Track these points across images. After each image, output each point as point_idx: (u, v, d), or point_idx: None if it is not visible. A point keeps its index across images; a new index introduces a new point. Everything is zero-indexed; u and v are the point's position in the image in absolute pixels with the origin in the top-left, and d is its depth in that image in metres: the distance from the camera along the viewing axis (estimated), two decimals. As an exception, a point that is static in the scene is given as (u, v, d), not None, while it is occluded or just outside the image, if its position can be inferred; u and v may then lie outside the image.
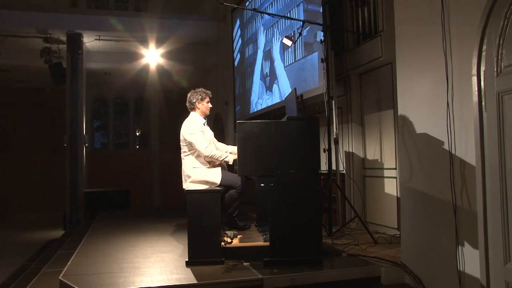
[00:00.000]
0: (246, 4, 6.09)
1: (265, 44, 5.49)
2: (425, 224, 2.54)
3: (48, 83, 7.55)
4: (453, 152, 2.29)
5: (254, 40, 5.91)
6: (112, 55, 7.82)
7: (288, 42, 3.88)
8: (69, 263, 2.94)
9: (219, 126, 7.81)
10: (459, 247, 2.26)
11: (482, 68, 2.14)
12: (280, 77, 4.96)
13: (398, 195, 3.52)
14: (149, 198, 9.72)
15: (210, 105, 3.34)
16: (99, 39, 7.15)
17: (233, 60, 6.90)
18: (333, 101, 3.73)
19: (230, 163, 3.17)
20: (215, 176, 3.17)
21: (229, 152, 3.29)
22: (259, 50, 5.69)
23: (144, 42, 7.23)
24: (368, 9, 3.99)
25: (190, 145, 3.18)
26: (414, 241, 2.64)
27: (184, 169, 3.22)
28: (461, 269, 2.25)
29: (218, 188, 3.02)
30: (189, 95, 3.31)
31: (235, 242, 2.88)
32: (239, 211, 3.38)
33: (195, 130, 3.16)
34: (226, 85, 7.27)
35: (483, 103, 2.13)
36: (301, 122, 2.73)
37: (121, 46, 7.44)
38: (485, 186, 2.11)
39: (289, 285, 2.44)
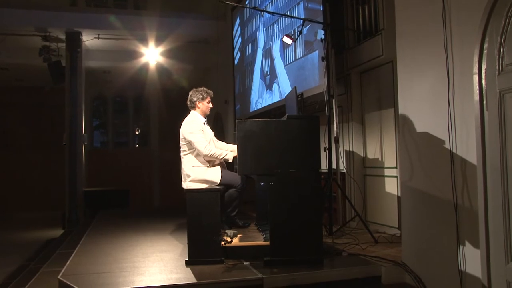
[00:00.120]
0: (246, 2, 6.06)
1: (265, 43, 5.47)
2: (426, 224, 2.53)
3: (47, 81, 7.53)
4: (454, 151, 2.29)
5: (254, 38, 5.89)
6: (112, 53, 7.80)
7: (288, 40, 3.87)
8: (68, 262, 2.93)
9: (219, 125, 7.79)
10: (460, 246, 2.25)
11: (484, 67, 2.13)
12: (280, 76, 4.94)
13: (399, 194, 3.51)
14: (149, 197, 9.71)
15: (210, 105, 3.32)
16: (98, 38, 7.13)
17: (233, 58, 6.88)
18: (334, 100, 3.72)
19: (230, 161, 3.16)
20: (215, 175, 3.16)
21: (229, 150, 3.28)
22: (259, 48, 5.68)
23: (144, 40, 7.21)
24: (369, 7, 3.97)
25: (189, 144, 3.16)
26: (414, 241, 2.63)
27: (184, 168, 3.21)
28: (462, 269, 2.24)
29: (218, 187, 3.02)
30: (190, 93, 3.30)
31: (235, 241, 2.87)
32: (239, 210, 3.37)
33: (195, 129, 3.15)
34: (226, 84, 7.25)
35: (484, 102, 2.13)
36: (302, 121, 2.72)
37: (121, 45, 7.41)
38: (486, 185, 2.10)
39: (289, 285, 2.43)
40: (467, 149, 2.21)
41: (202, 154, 3.14)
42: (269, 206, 2.71)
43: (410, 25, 2.68)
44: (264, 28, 5.50)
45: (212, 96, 3.33)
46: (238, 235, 3.08)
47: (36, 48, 6.86)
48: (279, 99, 4.93)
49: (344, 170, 4.19)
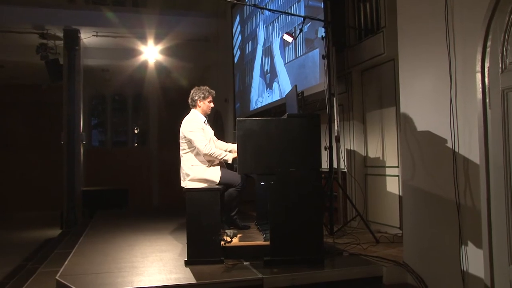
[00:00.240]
0: (246, 0, 6.03)
1: (265, 41, 5.44)
2: (428, 223, 2.51)
3: (44, 79, 7.48)
4: (456, 150, 2.27)
5: (254, 36, 5.86)
6: (110, 51, 7.75)
7: (288, 38, 3.84)
8: (66, 262, 2.90)
9: (219, 124, 7.77)
10: (463, 246, 2.24)
11: (487, 65, 2.12)
12: (280, 74, 4.92)
13: (400, 194, 3.50)
14: (148, 197, 9.67)
15: (212, 105, 3.30)
16: (96, 35, 7.08)
17: (233, 56, 6.84)
18: (334, 98, 3.70)
19: (229, 162, 3.15)
20: (214, 174, 3.14)
21: (228, 151, 3.26)
22: (259, 46, 5.65)
23: (143, 38, 7.16)
24: (370, 4, 3.95)
25: (189, 142, 3.14)
26: (416, 241, 2.61)
27: (183, 167, 3.18)
28: (464, 269, 2.23)
29: (217, 187, 2.99)
30: (192, 91, 3.28)
31: (235, 241, 2.86)
32: (238, 210, 3.35)
33: (195, 127, 3.12)
34: (226, 82, 7.22)
35: (487, 100, 2.11)
36: (302, 119, 2.70)
37: (119, 43, 7.37)
38: (489, 185, 2.09)
39: (290, 285, 2.42)
40: (470, 148, 2.19)
41: (202, 153, 3.11)
42: (269, 206, 2.69)
43: (412, 22, 2.66)
44: (264, 26, 5.47)
45: (214, 95, 3.30)
46: (238, 235, 3.07)
47: (33, 46, 6.80)
48: (279, 98, 4.90)
49: (345, 169, 4.17)
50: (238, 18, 6.62)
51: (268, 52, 5.31)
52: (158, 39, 7.17)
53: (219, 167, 3.20)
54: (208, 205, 2.74)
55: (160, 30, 6.97)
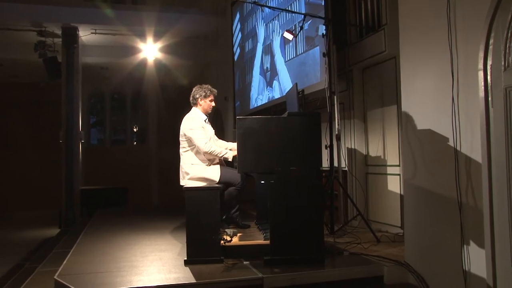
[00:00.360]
0: (246, -3, 5.99)
1: (265, 38, 5.41)
2: (429, 223, 2.50)
3: (42, 77, 7.44)
4: (458, 148, 2.26)
5: (254, 34, 5.83)
6: (109, 49, 7.71)
7: (289, 36, 3.82)
8: (64, 262, 2.89)
9: (219, 123, 7.74)
10: (465, 246, 2.22)
11: (489, 63, 2.10)
12: (280, 72, 4.89)
13: (402, 193, 3.48)
14: (147, 196, 9.65)
15: (213, 104, 3.28)
16: (95, 33, 7.03)
17: (233, 54, 6.81)
18: (335, 97, 3.68)
19: (230, 160, 3.13)
20: (214, 173, 3.12)
21: (229, 149, 3.24)
22: (259, 44, 5.62)
23: (142, 36, 7.12)
24: (371, 2, 3.92)
25: (189, 140, 3.13)
26: (418, 240, 2.60)
27: (183, 166, 3.17)
28: (466, 269, 2.21)
29: (217, 185, 2.97)
30: (194, 89, 3.27)
31: (235, 240, 2.84)
32: (238, 209, 3.33)
33: (195, 125, 3.11)
34: (226, 80, 7.19)
35: (489, 98, 2.10)
36: (302, 118, 2.69)
37: (118, 40, 7.32)
38: (492, 184, 2.08)
39: (290, 285, 2.40)
40: (472, 146, 2.18)
41: (202, 151, 3.10)
42: (269, 205, 2.68)
43: (414, 20, 2.64)
44: (265, 23, 5.44)
45: (216, 94, 3.29)
46: (238, 234, 3.05)
47: (32, 44, 6.75)
48: (279, 96, 4.88)
49: (346, 168, 4.15)
50: (238, 16, 6.59)
51: (268, 50, 5.28)
52: (157, 36, 7.14)
53: (218, 165, 3.18)
54: (208, 204, 2.72)
55: (160, 28, 6.93)
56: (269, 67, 5.25)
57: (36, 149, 9.42)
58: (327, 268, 2.55)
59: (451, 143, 2.30)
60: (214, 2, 7.16)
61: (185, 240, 2.73)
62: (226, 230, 2.86)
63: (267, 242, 2.73)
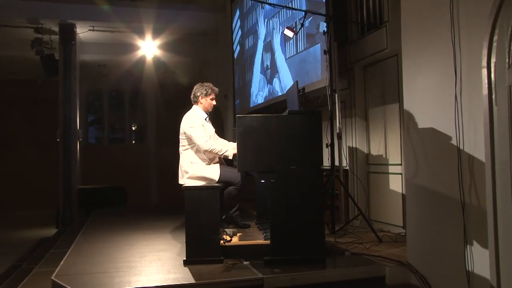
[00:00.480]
0: (246, -6, 5.95)
1: (265, 36, 5.37)
2: (432, 222, 2.48)
3: (40, 74, 7.38)
4: (461, 147, 2.23)
5: (254, 31, 5.78)
6: (107, 46, 7.65)
7: (289, 33, 3.78)
8: (62, 262, 2.87)
9: (219, 122, 7.71)
10: (468, 246, 2.20)
11: (493, 60, 2.08)
12: (281, 70, 4.86)
13: (404, 192, 3.46)
14: (146, 195, 9.61)
15: (214, 102, 3.26)
16: (93, 30, 6.98)
17: (233, 52, 6.77)
18: (336, 95, 3.66)
19: (230, 157, 3.10)
20: (214, 172, 3.09)
21: (229, 147, 3.20)
22: (259, 41, 5.57)
23: (140, 33, 7.07)
24: (373, -1, 3.89)
25: (189, 139, 3.10)
26: (420, 240, 2.58)
27: (182, 164, 3.14)
28: (469, 269, 2.19)
29: (217, 185, 2.95)
30: (195, 87, 3.24)
31: (235, 240, 2.82)
32: (238, 208, 3.30)
33: (195, 123, 3.08)
34: (226, 78, 7.15)
35: (493, 96, 2.08)
36: (303, 116, 2.67)
37: (116, 37, 7.27)
38: (495, 183, 2.06)
39: (290, 285, 2.39)
40: (475, 145, 2.16)
41: (202, 149, 3.07)
42: (269, 204, 2.66)
43: (416, 17, 2.62)
44: (265, 21, 5.39)
45: (217, 93, 3.26)
46: (238, 234, 3.03)
47: (28, 40, 6.69)
48: (280, 94, 4.85)
49: (347, 167, 4.13)
50: (238, 12, 6.54)
51: (268, 47, 5.24)
52: (156, 33, 7.08)
53: (218, 164, 3.16)
54: (208, 203, 2.71)
55: (158, 25, 6.88)
56: (269, 64, 5.22)
57: (34, 148, 9.37)
58: (328, 269, 2.54)
59: (454, 141, 2.28)
60: (213, -1, 7.11)
61: (185, 240, 2.72)
62: (226, 230, 2.84)
63: (267, 242, 2.72)
